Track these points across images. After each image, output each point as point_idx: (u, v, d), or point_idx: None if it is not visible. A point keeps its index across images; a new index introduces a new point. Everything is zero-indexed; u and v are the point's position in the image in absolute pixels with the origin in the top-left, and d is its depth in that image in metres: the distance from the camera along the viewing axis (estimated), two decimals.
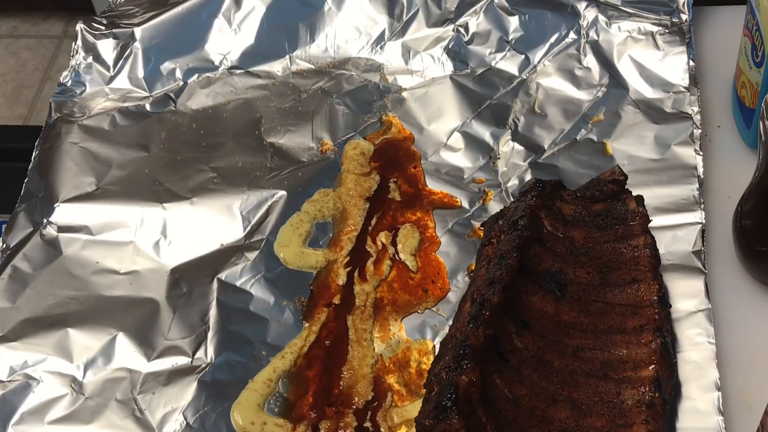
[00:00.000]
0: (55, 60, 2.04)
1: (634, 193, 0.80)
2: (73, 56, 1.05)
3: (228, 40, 1.05)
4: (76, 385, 0.80)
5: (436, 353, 0.77)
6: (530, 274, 0.75)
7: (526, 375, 0.70)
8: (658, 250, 0.77)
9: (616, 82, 0.95)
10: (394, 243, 0.87)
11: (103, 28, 1.05)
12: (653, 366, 0.69)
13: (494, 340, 0.70)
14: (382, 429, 0.76)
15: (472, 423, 0.65)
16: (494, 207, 0.88)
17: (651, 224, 0.79)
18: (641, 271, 0.75)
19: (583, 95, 0.95)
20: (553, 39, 0.99)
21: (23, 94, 2.04)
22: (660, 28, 0.97)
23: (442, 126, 0.95)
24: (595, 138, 0.91)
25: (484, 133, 0.94)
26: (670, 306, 0.76)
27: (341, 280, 0.85)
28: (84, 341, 0.82)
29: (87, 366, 0.81)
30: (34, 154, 0.96)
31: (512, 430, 0.67)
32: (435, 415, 0.65)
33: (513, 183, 0.89)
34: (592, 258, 0.77)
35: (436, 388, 0.68)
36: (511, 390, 0.69)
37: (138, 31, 1.04)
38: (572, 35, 0.99)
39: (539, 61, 0.98)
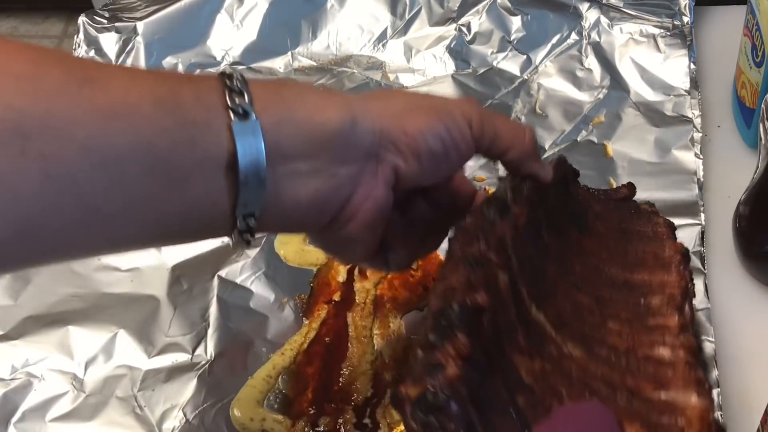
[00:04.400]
0: None
1: (635, 197, 0.81)
2: (75, 50, 1.05)
3: (230, 35, 1.05)
4: (77, 383, 0.80)
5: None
6: (556, 201, 0.71)
7: (552, 260, 0.67)
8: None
9: (617, 84, 0.95)
10: None
11: (105, 21, 1.05)
12: (681, 285, 0.67)
13: (533, 212, 0.66)
14: (381, 425, 0.76)
15: (516, 244, 0.62)
16: None
17: None
18: (663, 234, 0.73)
19: (584, 96, 0.95)
20: (554, 40, 1.00)
21: None
22: (662, 30, 0.97)
23: None
24: (595, 140, 0.92)
25: None
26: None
27: (341, 277, 0.86)
28: (85, 339, 0.82)
29: (88, 363, 0.81)
30: None
31: (539, 290, 0.63)
32: (478, 217, 0.62)
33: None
34: (612, 222, 0.74)
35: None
36: (538, 260, 0.66)
37: (140, 26, 1.04)
38: (574, 36, 0.99)
39: (541, 62, 0.99)
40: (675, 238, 0.72)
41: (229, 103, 0.52)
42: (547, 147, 0.92)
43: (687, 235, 0.82)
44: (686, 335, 0.63)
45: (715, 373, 0.73)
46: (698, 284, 0.78)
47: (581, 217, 0.73)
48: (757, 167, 0.83)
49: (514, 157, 0.66)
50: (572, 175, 0.77)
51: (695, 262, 0.80)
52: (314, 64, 1.03)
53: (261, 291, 0.85)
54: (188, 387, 0.79)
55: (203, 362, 0.80)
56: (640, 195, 0.83)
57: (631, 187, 0.80)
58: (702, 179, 0.86)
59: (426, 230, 0.68)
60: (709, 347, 0.75)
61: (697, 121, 0.90)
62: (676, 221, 0.82)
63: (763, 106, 0.83)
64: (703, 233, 0.82)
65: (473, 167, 0.91)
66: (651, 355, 0.62)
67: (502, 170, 0.89)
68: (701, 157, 0.87)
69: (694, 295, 0.68)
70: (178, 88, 0.52)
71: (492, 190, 0.88)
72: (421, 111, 0.61)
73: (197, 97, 0.52)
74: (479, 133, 0.62)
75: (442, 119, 0.60)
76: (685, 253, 0.70)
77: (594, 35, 0.99)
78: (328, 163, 0.57)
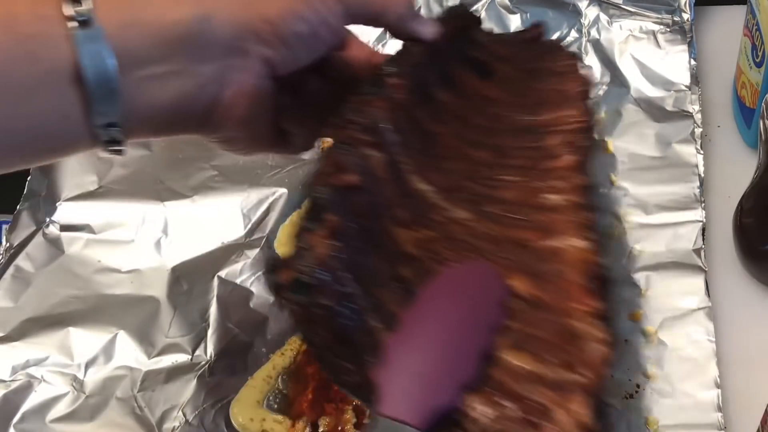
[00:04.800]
0: None
1: (636, 191, 0.81)
2: None
3: None
4: (77, 384, 0.80)
5: None
6: (455, 50, 0.72)
7: (447, 119, 0.68)
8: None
9: (617, 80, 0.95)
10: None
11: None
12: (584, 120, 0.70)
13: (418, 73, 0.67)
14: None
15: (396, 117, 0.63)
16: None
17: (652, 222, 0.81)
18: (568, 69, 0.76)
19: None
20: (554, 37, 0.99)
21: None
22: (661, 26, 0.97)
23: None
24: (596, 136, 0.91)
25: None
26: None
27: None
28: (85, 340, 0.82)
29: (88, 365, 0.81)
30: None
31: (432, 153, 0.65)
32: (356, 99, 0.63)
33: None
34: (518, 62, 0.76)
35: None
36: (431, 126, 0.67)
37: None
38: (574, 34, 0.99)
39: None
40: (579, 71, 0.75)
41: (66, 11, 0.51)
42: None
43: (688, 232, 0.82)
44: (579, 175, 0.65)
45: (715, 373, 0.73)
46: (698, 282, 0.78)
47: (484, 62, 0.74)
48: (758, 166, 0.82)
49: (391, 21, 0.65)
50: (473, 22, 0.77)
51: (696, 259, 0.80)
52: None
53: (261, 291, 0.84)
54: (188, 387, 0.79)
55: (203, 363, 0.80)
56: (640, 189, 0.83)
57: (539, 27, 0.82)
58: (702, 173, 0.85)
59: (326, 106, 0.65)
60: (709, 346, 0.75)
61: (698, 116, 0.90)
62: (677, 216, 0.83)
63: (763, 105, 0.83)
64: (704, 230, 0.81)
65: None
66: (542, 202, 0.63)
67: None
68: (702, 151, 0.87)
69: (594, 127, 0.72)
70: (12, 4, 0.51)
71: None
72: None
73: (33, 9, 0.51)
74: (347, 3, 0.61)
75: None
76: (586, 86, 0.71)
77: (594, 32, 0.98)
78: (186, 63, 0.56)
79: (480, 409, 0.54)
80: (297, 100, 0.65)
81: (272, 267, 0.58)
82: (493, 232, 0.62)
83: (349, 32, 0.65)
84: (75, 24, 0.51)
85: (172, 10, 0.55)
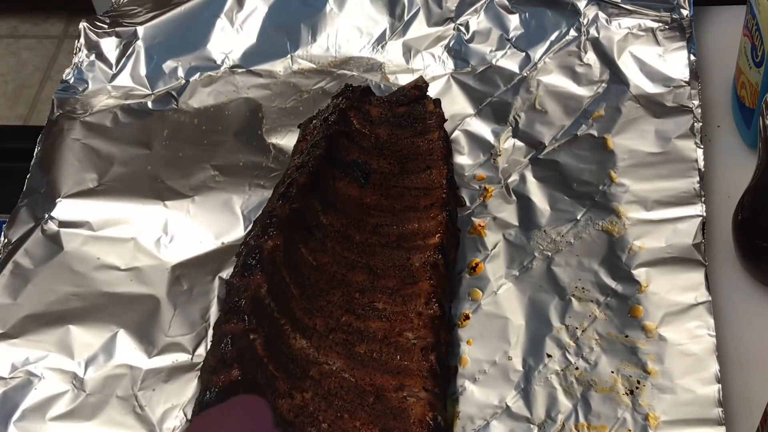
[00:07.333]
0: (56, 60, 2.04)
1: (635, 188, 0.82)
2: (75, 54, 1.05)
3: (230, 39, 1.05)
4: (77, 382, 0.79)
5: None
6: (338, 163, 0.85)
7: (329, 246, 0.79)
8: (450, 142, 0.91)
9: (616, 78, 0.95)
10: None
11: (106, 26, 1.06)
12: (438, 235, 0.80)
13: (301, 214, 0.79)
14: None
15: (276, 281, 0.71)
16: (495, 203, 0.88)
17: (652, 218, 0.81)
18: (434, 159, 0.86)
19: (583, 91, 0.95)
20: (553, 36, 1.00)
21: (23, 94, 2.05)
22: (660, 24, 0.97)
23: None
24: (595, 133, 0.92)
25: (485, 130, 0.94)
26: (458, 188, 0.88)
27: None
28: (85, 338, 0.82)
29: (88, 363, 0.81)
30: (36, 149, 0.97)
31: (314, 290, 0.74)
32: (240, 273, 0.74)
33: (514, 179, 0.89)
34: (394, 151, 0.88)
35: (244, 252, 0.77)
36: (315, 258, 0.78)
37: (141, 30, 1.05)
38: (573, 33, 0.99)
39: (540, 59, 0.99)
40: (446, 159, 0.87)
41: None
42: (547, 142, 0.92)
43: (688, 227, 0.82)
44: (432, 305, 0.76)
45: (716, 368, 0.73)
46: (699, 276, 0.79)
47: (364, 163, 0.86)
48: (758, 166, 0.83)
49: None
50: (360, 97, 0.91)
51: (696, 254, 0.80)
52: (314, 66, 1.03)
53: None
54: (189, 387, 0.78)
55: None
56: (640, 186, 0.83)
57: (419, 87, 0.94)
58: (702, 168, 0.86)
59: None
60: (710, 341, 0.75)
61: (697, 111, 0.90)
62: (678, 212, 0.83)
63: (763, 104, 0.83)
64: (704, 224, 0.82)
65: (473, 166, 0.91)
66: (399, 341, 0.74)
67: (501, 168, 0.90)
68: (701, 146, 0.87)
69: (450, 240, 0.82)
70: None
71: (492, 188, 0.88)
72: None
73: None
74: None
75: None
76: (445, 193, 0.83)
77: (593, 31, 0.99)
78: None
79: None
80: None
81: None
82: (358, 380, 0.72)
83: None
84: None
85: None
